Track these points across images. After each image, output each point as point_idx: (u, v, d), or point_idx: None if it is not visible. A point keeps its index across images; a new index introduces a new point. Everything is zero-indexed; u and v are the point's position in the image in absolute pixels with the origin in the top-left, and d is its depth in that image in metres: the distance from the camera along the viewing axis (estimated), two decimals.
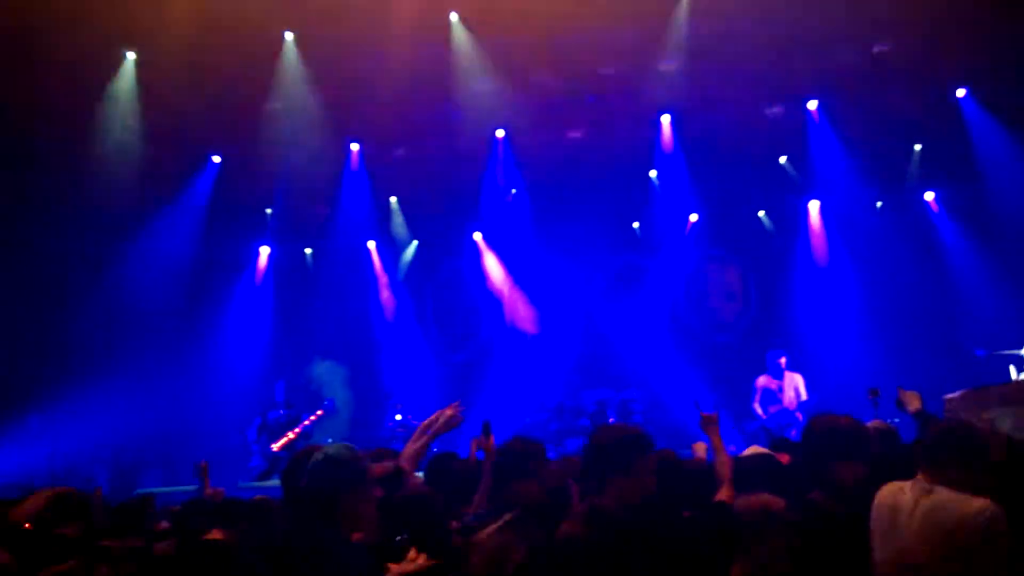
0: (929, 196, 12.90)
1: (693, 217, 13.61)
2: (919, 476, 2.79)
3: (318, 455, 2.63)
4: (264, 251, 13.82)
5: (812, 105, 11.89)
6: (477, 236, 14.03)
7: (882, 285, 12.75)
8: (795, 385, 10.09)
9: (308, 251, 14.08)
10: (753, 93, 11.72)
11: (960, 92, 11.58)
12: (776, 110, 12.02)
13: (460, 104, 11.62)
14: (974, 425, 2.93)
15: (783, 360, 10.30)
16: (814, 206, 13.34)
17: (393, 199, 13.80)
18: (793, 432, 9.17)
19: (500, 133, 12.41)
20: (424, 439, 4.19)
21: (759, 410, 10.23)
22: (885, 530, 2.76)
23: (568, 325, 13.88)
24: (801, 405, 9.87)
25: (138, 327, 11.67)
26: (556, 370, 13.01)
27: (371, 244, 14.08)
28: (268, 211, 13.36)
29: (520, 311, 14.08)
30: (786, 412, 9.83)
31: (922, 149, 12.51)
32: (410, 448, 4.17)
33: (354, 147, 12.79)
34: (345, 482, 2.56)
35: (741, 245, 13.94)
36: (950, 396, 6.61)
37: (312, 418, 10.90)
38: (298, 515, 2.66)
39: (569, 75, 11.44)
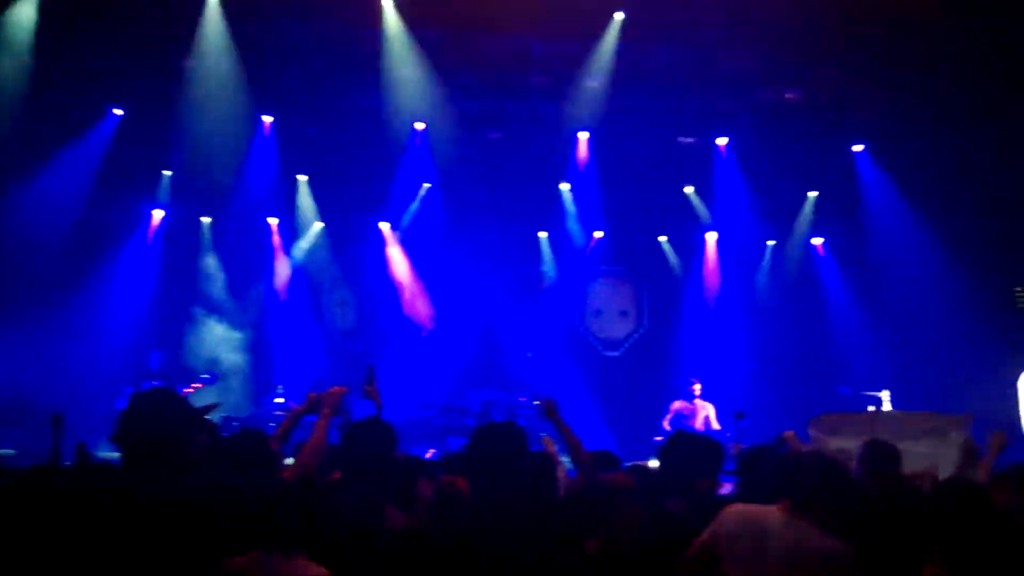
0: (817, 241, 13.66)
1: (598, 234, 13.90)
2: (784, 504, 3.00)
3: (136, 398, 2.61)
4: (157, 214, 13.17)
5: (722, 141, 12.38)
6: (384, 225, 13.85)
7: (766, 318, 13.46)
8: (706, 414, 10.27)
9: (206, 220, 13.50)
10: (669, 122, 12.15)
11: (858, 147, 12.33)
12: (688, 141, 12.47)
13: (383, 90, 11.48)
14: (841, 464, 3.19)
15: (697, 387, 10.47)
16: (712, 237, 13.90)
17: (302, 177, 13.45)
18: None
19: (420, 125, 12.32)
20: (292, 421, 4.08)
21: (667, 426, 10.32)
22: (751, 549, 2.92)
23: (465, 325, 13.91)
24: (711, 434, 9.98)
25: (12, 280, 10.89)
26: (447, 368, 13.03)
27: (273, 221, 13.66)
28: (167, 173, 12.75)
29: (418, 305, 14.00)
30: None
31: (817, 196, 13.24)
32: (279, 431, 4.11)
33: (267, 119, 12.39)
34: (160, 419, 2.53)
35: (640, 266, 14.36)
36: (815, 420, 7.00)
37: (188, 391, 10.41)
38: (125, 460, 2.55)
39: (496, 78, 11.52)
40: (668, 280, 14.18)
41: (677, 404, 10.51)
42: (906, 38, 10.15)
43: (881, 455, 4.04)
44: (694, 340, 13.70)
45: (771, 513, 3.00)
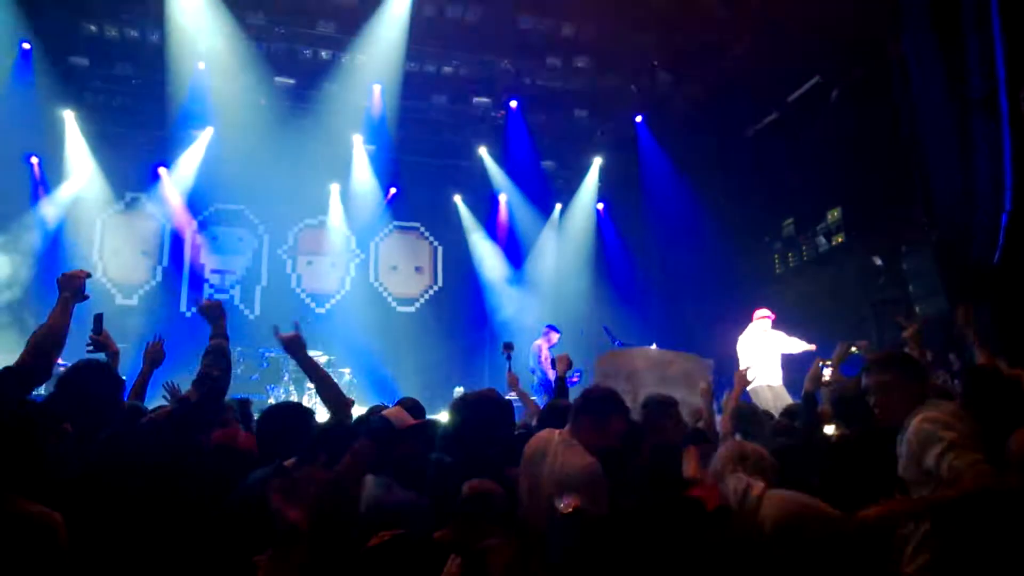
0: (599, 205, 14.44)
1: (393, 190, 13.82)
2: (564, 429, 3.53)
3: None
4: None
5: (514, 104, 12.66)
6: (162, 170, 12.92)
7: (551, 275, 14.12)
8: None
9: None
10: (465, 80, 12.26)
11: (638, 118, 13.09)
12: (484, 101, 12.63)
13: (164, 26, 10.71)
14: (611, 393, 3.70)
15: (555, 336, 10.48)
16: (504, 198, 14.27)
17: (68, 113, 12.19)
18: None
19: (202, 65, 11.58)
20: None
21: (546, 365, 10.02)
22: (535, 464, 3.43)
23: (251, 277, 13.41)
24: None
25: None
26: (230, 323, 12.46)
27: (34, 159, 12.32)
28: None
29: (202, 255, 13.28)
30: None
31: (602, 163, 13.95)
32: None
33: (25, 46, 11.14)
34: None
35: (435, 223, 14.47)
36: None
37: None
38: None
39: (288, 23, 11.08)
40: (462, 238, 14.41)
41: (540, 342, 10.39)
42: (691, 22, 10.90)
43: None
44: (487, 296, 14.11)
45: (555, 435, 3.52)
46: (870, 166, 10.36)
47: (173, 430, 3.14)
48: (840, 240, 11.44)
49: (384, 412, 3.70)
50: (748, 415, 4.66)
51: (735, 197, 12.95)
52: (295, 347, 3.87)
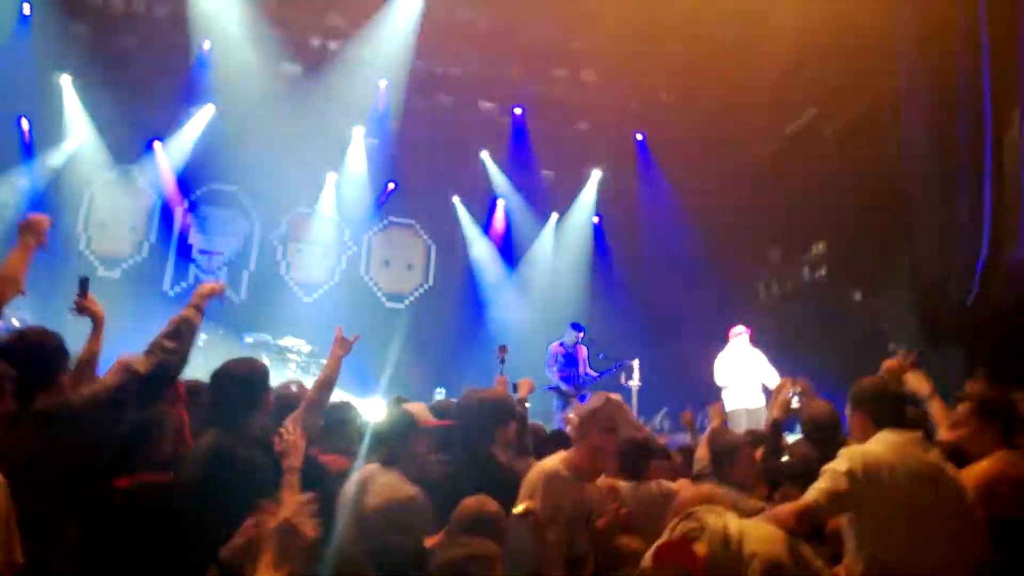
0: (595, 218, 14.46)
1: (391, 184, 13.74)
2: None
3: None
4: None
5: (518, 111, 12.66)
6: (157, 145, 12.71)
7: (543, 282, 14.11)
8: (583, 357, 10.04)
9: None
10: (471, 84, 12.27)
11: (639, 135, 13.15)
12: (489, 105, 12.65)
13: (175, 2, 10.59)
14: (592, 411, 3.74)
15: (581, 334, 10.22)
16: (501, 203, 14.26)
17: (65, 79, 11.96)
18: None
19: (207, 44, 11.44)
20: None
21: (554, 373, 9.87)
22: None
23: (239, 260, 13.26)
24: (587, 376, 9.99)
25: None
26: (213, 307, 12.30)
27: (24, 123, 12.07)
28: None
29: (191, 235, 13.08)
30: (583, 377, 9.85)
31: (601, 176, 13.98)
32: None
33: (25, 8, 10.94)
34: None
35: (431, 222, 14.39)
36: None
37: None
38: None
39: (295, 10, 11.03)
40: (457, 238, 14.33)
41: (554, 347, 10.10)
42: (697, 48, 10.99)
43: None
44: (479, 298, 14.09)
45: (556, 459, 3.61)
46: (857, 203, 10.50)
47: (111, 407, 2.91)
48: (822, 273, 11.58)
49: (407, 406, 3.69)
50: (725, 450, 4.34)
51: (727, 222, 13.04)
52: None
